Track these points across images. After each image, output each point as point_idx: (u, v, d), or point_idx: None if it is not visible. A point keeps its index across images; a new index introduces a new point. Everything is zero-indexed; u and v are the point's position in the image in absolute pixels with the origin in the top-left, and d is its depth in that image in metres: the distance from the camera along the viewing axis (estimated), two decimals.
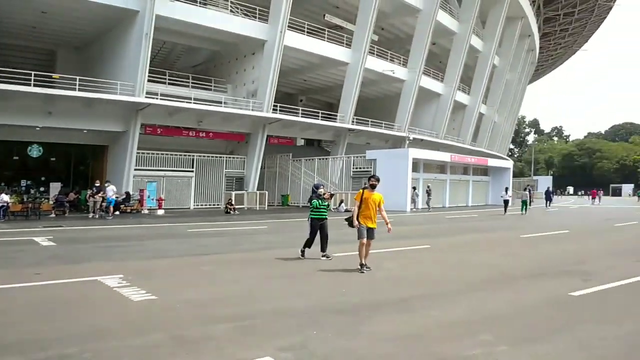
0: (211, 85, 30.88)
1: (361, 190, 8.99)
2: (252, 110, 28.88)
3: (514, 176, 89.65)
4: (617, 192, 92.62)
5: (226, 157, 31.04)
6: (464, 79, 47.48)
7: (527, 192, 33.69)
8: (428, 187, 32.75)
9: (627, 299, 7.17)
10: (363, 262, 8.76)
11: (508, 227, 20.10)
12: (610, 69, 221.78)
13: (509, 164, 44.31)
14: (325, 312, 5.91)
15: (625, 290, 7.65)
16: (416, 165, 32.30)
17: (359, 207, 8.85)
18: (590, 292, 7.33)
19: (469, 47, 41.96)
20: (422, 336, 5.06)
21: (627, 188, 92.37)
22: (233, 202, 26.32)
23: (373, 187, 8.92)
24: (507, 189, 31.31)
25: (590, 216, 29.00)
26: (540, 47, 62.47)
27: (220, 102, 29.07)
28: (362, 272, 8.58)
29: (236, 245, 12.83)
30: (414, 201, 30.88)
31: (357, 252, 8.84)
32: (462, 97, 45.45)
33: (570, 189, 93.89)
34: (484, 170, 41.32)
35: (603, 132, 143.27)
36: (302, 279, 8.31)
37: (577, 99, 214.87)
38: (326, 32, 32.93)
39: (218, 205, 29.43)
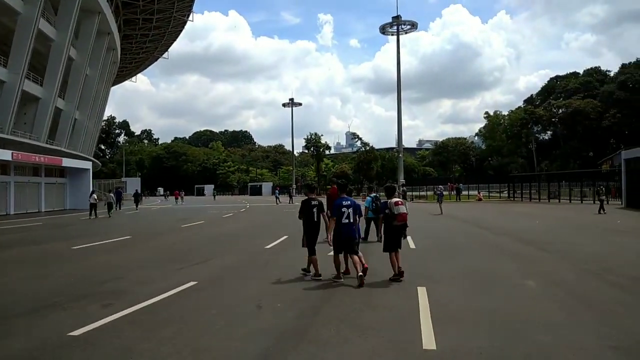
0: None
1: None
2: None
3: (105, 177, 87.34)
4: (201, 192, 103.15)
5: None
6: (38, 68, 41.20)
7: (112, 195, 32.00)
8: None
9: (150, 323, 5.85)
10: None
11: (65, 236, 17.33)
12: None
13: (88, 164, 41.13)
14: None
15: (153, 310, 6.42)
16: None
17: None
18: (96, 327, 5.66)
19: (39, 32, 36.49)
20: None
21: (209, 188, 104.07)
22: None
23: None
24: (93, 192, 28.67)
25: (164, 217, 29.50)
26: (124, 49, 61.71)
27: None
28: None
29: None
30: None
31: None
32: (34, 88, 39.22)
33: (161, 190, 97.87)
34: (61, 171, 36.85)
35: (188, 137, 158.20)
36: None
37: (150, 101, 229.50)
38: None
39: None
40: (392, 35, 52.09)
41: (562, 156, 79.99)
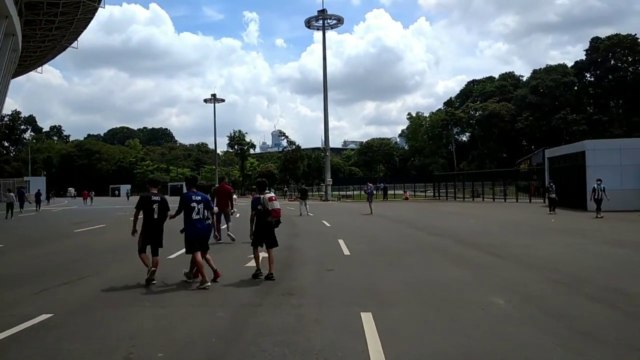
0: None
1: None
2: None
3: (9, 176, 78.89)
4: (116, 193, 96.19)
5: None
6: None
7: (13, 195, 28.22)
8: None
9: None
10: None
11: None
12: None
13: None
14: None
15: None
16: None
17: None
18: None
19: None
20: None
21: (125, 188, 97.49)
22: None
23: None
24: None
25: (62, 220, 25.90)
26: (26, 35, 55.32)
27: None
28: None
29: None
30: None
31: None
32: None
33: (72, 190, 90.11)
34: None
35: (103, 134, 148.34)
36: None
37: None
38: None
39: None
40: (318, 30, 50.88)
41: (479, 157, 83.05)
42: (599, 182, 19.09)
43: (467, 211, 26.13)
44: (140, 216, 7.90)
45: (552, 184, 22.53)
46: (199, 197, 7.66)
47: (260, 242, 8.01)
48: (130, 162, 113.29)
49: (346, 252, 10.94)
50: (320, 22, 49.71)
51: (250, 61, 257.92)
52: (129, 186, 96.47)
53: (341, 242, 12.37)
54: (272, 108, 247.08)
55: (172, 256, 9.98)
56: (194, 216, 7.53)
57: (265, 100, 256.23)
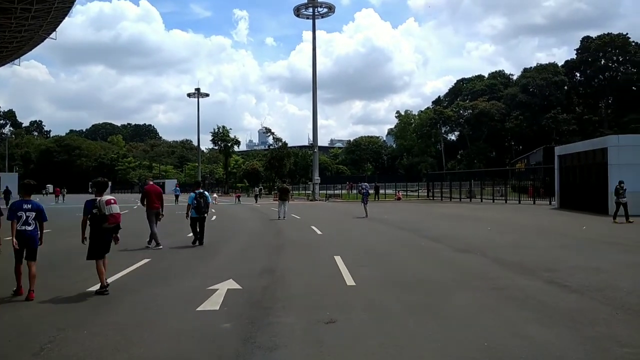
0: None
1: None
2: None
3: None
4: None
5: None
6: None
7: None
8: None
9: None
10: None
11: None
12: None
13: None
14: None
15: None
16: None
17: None
18: None
19: None
20: None
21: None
22: None
23: None
24: None
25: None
26: (1, 25, 52.53)
27: None
28: None
29: None
30: None
31: None
32: None
33: (50, 187, 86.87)
34: None
35: (85, 130, 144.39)
36: None
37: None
38: None
39: None
40: (308, 18, 48.88)
41: (468, 156, 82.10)
42: (622, 184, 16.99)
43: (473, 214, 23.97)
44: None
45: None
46: (29, 205, 6.85)
47: (100, 254, 7.00)
48: (112, 159, 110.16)
49: (349, 281, 7.64)
50: (310, 10, 47.86)
51: (240, 59, 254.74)
52: (109, 183, 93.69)
53: (339, 260, 9.38)
54: (260, 106, 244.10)
55: None
56: (20, 227, 6.64)
57: (254, 98, 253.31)
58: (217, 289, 6.60)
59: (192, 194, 12.22)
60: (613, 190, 17.53)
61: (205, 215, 12.29)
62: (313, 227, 17.05)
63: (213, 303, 6.06)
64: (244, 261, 9.87)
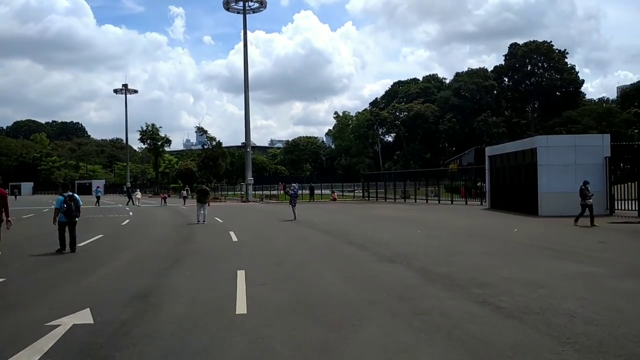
0: None
1: None
2: None
3: None
4: (16, 192, 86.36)
5: None
6: None
7: None
8: None
9: None
10: None
11: None
12: None
13: None
14: None
15: None
16: None
17: None
18: None
19: None
20: None
21: (27, 186, 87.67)
22: None
23: None
24: None
25: None
26: None
27: None
28: None
29: None
30: None
31: None
32: None
33: None
34: None
35: (6, 127, 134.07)
36: None
37: None
38: None
39: None
40: (239, 13, 47.00)
41: (404, 157, 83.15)
42: (587, 185, 15.79)
43: (406, 215, 23.36)
44: None
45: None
46: None
47: None
48: (34, 158, 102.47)
49: (241, 307, 6.10)
50: (241, 4, 46.12)
51: (176, 57, 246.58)
52: (31, 184, 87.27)
53: (240, 277, 7.93)
54: (198, 105, 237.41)
55: None
56: None
57: (192, 97, 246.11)
58: (58, 325, 5.01)
59: (60, 197, 11.11)
60: (542, 190, 17.18)
61: (76, 219, 11.17)
62: (231, 233, 15.51)
63: (34, 351, 4.38)
64: (122, 280, 8.13)
